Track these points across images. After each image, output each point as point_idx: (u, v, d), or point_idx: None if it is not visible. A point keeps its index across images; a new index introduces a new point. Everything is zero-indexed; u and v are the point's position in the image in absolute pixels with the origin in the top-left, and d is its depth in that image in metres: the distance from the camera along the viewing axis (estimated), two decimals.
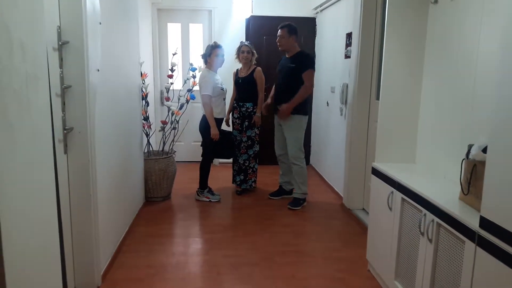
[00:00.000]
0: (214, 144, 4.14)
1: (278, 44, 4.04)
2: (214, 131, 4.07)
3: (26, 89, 1.29)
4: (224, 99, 4.25)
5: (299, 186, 4.12)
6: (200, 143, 4.32)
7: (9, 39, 1.19)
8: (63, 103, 2.24)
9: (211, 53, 4.10)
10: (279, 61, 4.29)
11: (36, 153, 1.37)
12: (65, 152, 2.30)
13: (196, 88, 4.32)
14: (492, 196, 1.53)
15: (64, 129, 2.25)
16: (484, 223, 1.56)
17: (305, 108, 4.10)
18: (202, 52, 4.32)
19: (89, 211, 2.43)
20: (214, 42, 4.23)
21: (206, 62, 4.17)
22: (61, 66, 2.21)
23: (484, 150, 1.71)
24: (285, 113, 4.00)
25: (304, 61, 3.97)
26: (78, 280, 2.48)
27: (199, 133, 4.29)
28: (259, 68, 4.37)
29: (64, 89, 2.24)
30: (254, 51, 4.38)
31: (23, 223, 1.28)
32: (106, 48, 2.70)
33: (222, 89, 4.19)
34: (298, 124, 4.07)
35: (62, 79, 2.22)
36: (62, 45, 2.20)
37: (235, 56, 4.43)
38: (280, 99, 4.08)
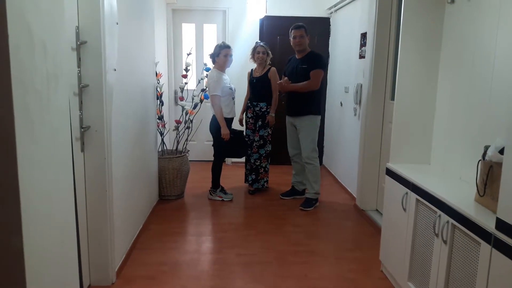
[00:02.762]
0: (225, 143, 4.16)
1: (297, 44, 4.01)
2: (224, 131, 4.09)
3: (47, 88, 1.32)
4: (233, 98, 4.27)
5: (312, 185, 4.11)
6: (212, 143, 4.35)
7: (31, 40, 1.22)
8: (81, 102, 2.29)
9: (220, 53, 4.10)
10: (287, 64, 4.27)
11: (55, 152, 1.40)
12: (82, 150, 2.34)
13: None
14: (509, 198, 1.51)
15: (81, 127, 2.29)
16: (501, 224, 1.55)
17: (318, 108, 4.12)
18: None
19: (105, 208, 2.47)
20: (223, 42, 4.23)
21: (214, 62, 4.18)
22: (79, 66, 2.25)
23: (501, 151, 1.69)
24: (285, 87, 4.00)
25: (315, 60, 3.99)
26: (93, 277, 2.52)
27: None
28: (273, 68, 4.38)
29: (82, 88, 2.28)
30: (269, 52, 4.39)
31: (42, 221, 1.31)
32: (122, 48, 2.74)
33: (231, 88, 4.20)
34: (312, 124, 4.07)
35: (80, 78, 2.26)
36: (80, 45, 2.24)
37: (250, 56, 4.44)
38: (296, 103, 4.06)
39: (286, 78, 4.01)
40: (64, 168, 1.50)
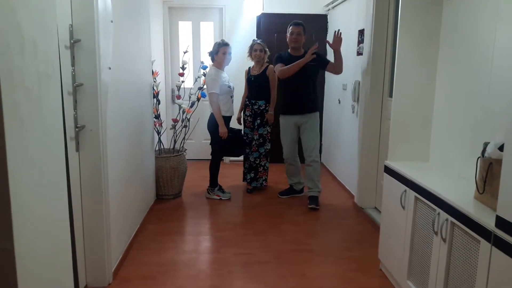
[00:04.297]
0: (223, 142, 4.14)
1: (294, 41, 3.96)
2: (222, 129, 4.06)
3: (38, 87, 1.30)
4: (232, 97, 4.24)
5: (316, 184, 4.08)
6: (209, 142, 4.32)
7: (21, 38, 1.19)
8: (75, 101, 2.26)
9: (219, 51, 4.08)
10: (277, 59, 4.07)
11: (47, 151, 1.38)
12: (77, 149, 2.32)
13: None
14: (508, 195, 1.49)
15: (76, 127, 2.27)
16: (501, 222, 1.53)
17: (318, 104, 4.20)
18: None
19: (101, 208, 2.44)
20: (222, 40, 4.21)
21: (213, 60, 4.16)
22: (73, 64, 2.22)
23: (501, 148, 1.67)
24: (340, 43, 3.87)
25: (322, 56, 4.03)
26: (89, 277, 2.50)
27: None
28: (271, 66, 4.34)
29: (76, 87, 2.25)
30: (267, 49, 4.36)
31: (34, 221, 1.28)
32: (117, 46, 2.71)
33: (229, 87, 4.17)
34: (317, 121, 4.13)
35: (74, 77, 2.23)
36: (74, 43, 2.21)
37: (247, 54, 4.41)
38: (306, 99, 4.03)
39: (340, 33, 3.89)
40: (57, 168, 1.47)
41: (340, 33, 3.87)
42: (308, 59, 3.78)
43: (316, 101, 4.11)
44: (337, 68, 3.99)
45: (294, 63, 3.86)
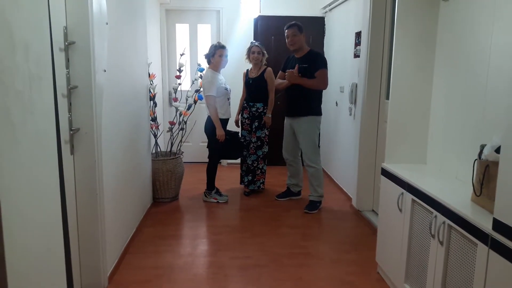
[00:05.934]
0: (221, 145, 4.12)
1: (290, 44, 3.93)
2: (219, 132, 4.05)
3: (30, 89, 1.28)
4: (229, 99, 4.22)
5: (315, 188, 4.04)
6: (207, 145, 4.31)
7: (11, 39, 1.18)
8: (70, 104, 2.24)
9: (215, 53, 4.07)
10: (285, 63, 4.19)
11: (39, 154, 1.36)
12: (72, 152, 2.30)
13: None
14: (505, 198, 1.48)
15: (71, 129, 2.25)
16: (498, 225, 1.52)
17: (319, 108, 4.03)
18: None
19: (96, 212, 2.42)
20: (218, 42, 4.20)
21: (209, 62, 4.14)
22: (67, 67, 2.20)
23: (497, 150, 1.66)
24: (294, 78, 3.90)
25: (316, 60, 3.91)
26: (84, 281, 2.47)
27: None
28: (269, 69, 4.34)
29: (70, 90, 2.23)
30: (265, 52, 4.35)
31: (26, 225, 1.27)
32: (113, 48, 2.69)
33: (226, 89, 4.16)
34: (312, 125, 3.99)
35: (68, 79, 2.21)
36: (68, 46, 2.20)
37: (245, 56, 4.40)
38: (296, 103, 4.00)
39: (296, 69, 3.88)
40: (50, 171, 1.46)
41: (296, 67, 3.90)
42: (286, 86, 4.00)
43: (309, 104, 3.96)
44: (314, 88, 3.95)
45: (279, 83, 4.14)
